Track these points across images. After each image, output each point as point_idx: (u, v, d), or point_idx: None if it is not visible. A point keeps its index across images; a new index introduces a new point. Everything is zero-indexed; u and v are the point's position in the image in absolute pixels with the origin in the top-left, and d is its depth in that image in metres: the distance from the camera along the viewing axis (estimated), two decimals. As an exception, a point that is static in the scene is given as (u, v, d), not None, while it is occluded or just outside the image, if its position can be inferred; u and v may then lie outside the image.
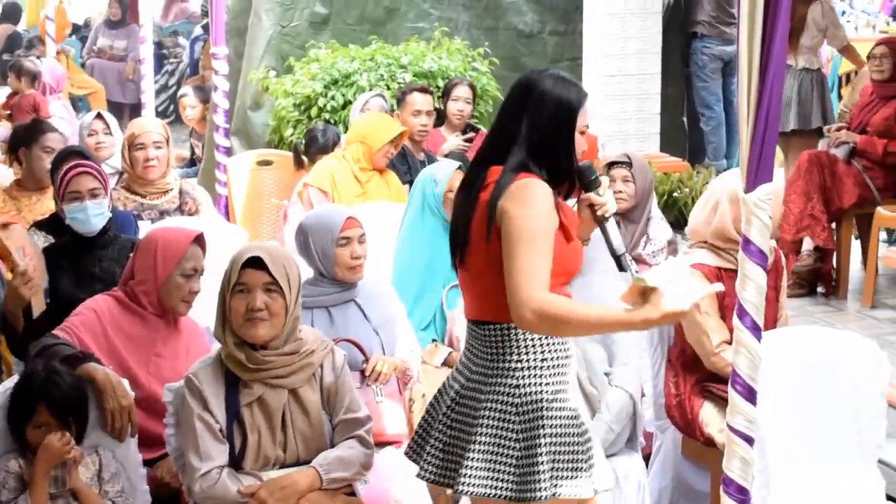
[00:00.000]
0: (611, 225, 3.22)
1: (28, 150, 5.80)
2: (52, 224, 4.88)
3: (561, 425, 3.14)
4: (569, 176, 3.19)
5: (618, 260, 3.26)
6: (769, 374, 3.55)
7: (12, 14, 15.16)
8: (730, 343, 3.49)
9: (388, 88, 7.62)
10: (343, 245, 4.23)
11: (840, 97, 10.41)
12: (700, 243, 4.35)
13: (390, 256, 5.06)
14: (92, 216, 4.60)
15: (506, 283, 3.02)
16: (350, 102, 7.49)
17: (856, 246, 7.55)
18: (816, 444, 4.02)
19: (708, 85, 9.74)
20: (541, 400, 3.13)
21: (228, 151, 7.36)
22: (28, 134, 5.92)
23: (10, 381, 3.62)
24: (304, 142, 6.88)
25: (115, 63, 13.84)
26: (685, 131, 10.06)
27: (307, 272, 4.16)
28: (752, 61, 3.13)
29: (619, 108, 8.45)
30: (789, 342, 4.11)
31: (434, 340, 4.88)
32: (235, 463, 3.47)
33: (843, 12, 12.61)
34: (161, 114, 11.97)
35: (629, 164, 5.25)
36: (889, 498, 4.15)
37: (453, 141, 7.21)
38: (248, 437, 3.47)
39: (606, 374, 4.30)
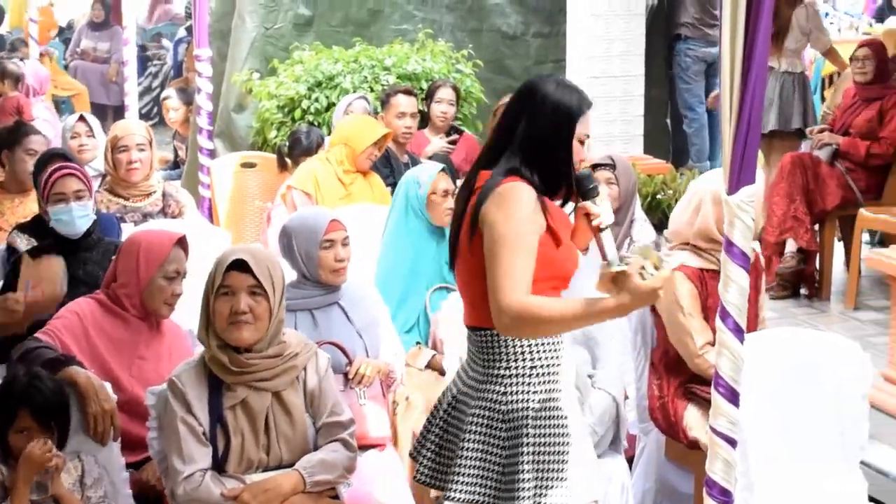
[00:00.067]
0: (606, 236, 3.13)
1: (11, 153, 5.79)
2: (35, 227, 4.84)
3: (548, 434, 3.13)
4: (566, 182, 3.16)
5: None
6: (752, 376, 3.56)
7: (-6, 16, 15.13)
8: (713, 345, 3.49)
9: (372, 90, 7.61)
10: (327, 248, 4.22)
11: (823, 99, 10.43)
12: (682, 245, 4.33)
13: (374, 259, 5.05)
14: (77, 218, 4.58)
15: (488, 289, 3.00)
16: (334, 104, 7.47)
17: (839, 248, 7.55)
18: (799, 445, 4.02)
19: (691, 87, 9.75)
20: (527, 409, 3.13)
21: (212, 154, 7.35)
22: (11, 136, 5.90)
23: (-8, 386, 3.59)
24: (287, 144, 6.85)
25: (98, 65, 13.83)
26: (669, 133, 10.07)
27: (290, 275, 4.15)
28: (735, 63, 3.13)
29: (602, 109, 8.42)
30: (772, 344, 4.11)
31: (418, 343, 4.88)
32: (218, 466, 3.46)
33: (827, 14, 12.63)
34: (144, 116, 11.93)
35: (612, 167, 5.25)
36: (871, 499, 4.15)
37: (437, 143, 7.20)
38: (231, 440, 3.46)
39: (590, 377, 4.30)
